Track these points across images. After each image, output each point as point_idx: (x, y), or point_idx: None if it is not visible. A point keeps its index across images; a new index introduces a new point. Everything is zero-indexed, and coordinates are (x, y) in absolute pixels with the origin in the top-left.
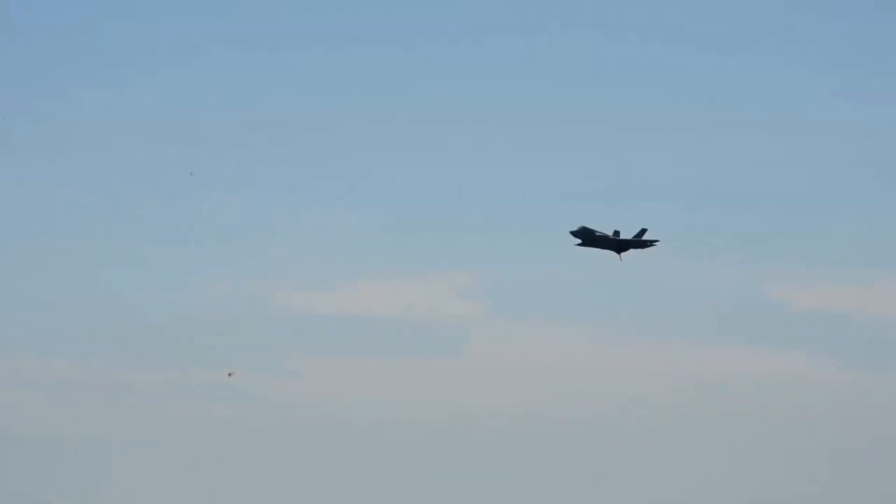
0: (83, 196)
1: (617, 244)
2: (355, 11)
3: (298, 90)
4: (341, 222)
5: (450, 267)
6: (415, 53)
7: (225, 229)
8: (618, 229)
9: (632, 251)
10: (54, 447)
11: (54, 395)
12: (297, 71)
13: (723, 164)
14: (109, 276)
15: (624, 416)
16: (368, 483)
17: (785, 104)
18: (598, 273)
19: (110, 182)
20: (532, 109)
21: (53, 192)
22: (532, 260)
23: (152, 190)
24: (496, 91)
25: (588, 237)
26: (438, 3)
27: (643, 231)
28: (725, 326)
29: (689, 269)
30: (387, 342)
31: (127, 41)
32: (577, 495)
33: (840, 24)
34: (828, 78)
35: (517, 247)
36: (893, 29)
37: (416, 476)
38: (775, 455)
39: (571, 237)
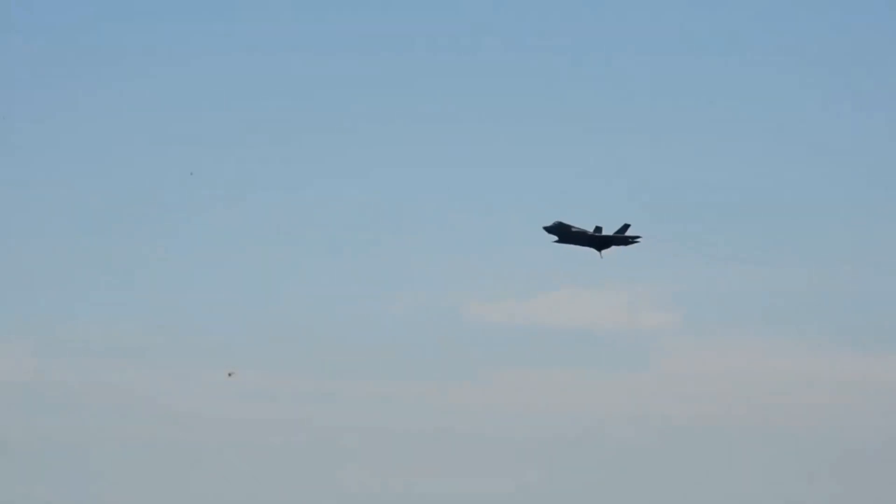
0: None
1: (597, 241)
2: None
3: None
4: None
5: (634, 277)
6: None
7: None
8: (599, 225)
9: (613, 248)
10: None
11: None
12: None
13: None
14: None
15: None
16: (545, 494)
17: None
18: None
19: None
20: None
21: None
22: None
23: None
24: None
25: (564, 233)
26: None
27: (626, 227)
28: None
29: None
30: (573, 353)
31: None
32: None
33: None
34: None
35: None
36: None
37: (597, 486)
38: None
39: (546, 234)
